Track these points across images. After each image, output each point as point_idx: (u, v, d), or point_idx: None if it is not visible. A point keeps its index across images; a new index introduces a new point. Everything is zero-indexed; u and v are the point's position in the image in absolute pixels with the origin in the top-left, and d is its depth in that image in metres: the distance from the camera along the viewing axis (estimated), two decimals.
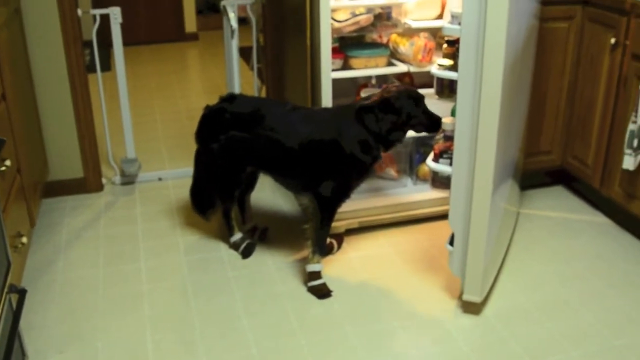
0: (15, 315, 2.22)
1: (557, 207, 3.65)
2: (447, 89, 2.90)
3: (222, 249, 3.26)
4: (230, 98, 3.07)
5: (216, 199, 3.21)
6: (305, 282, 2.94)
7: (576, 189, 3.79)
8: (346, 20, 3.25)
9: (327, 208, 2.87)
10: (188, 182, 3.35)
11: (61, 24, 3.53)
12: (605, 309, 2.80)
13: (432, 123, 2.84)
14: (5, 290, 2.16)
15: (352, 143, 2.79)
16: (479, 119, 2.47)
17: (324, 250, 2.96)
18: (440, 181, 3.31)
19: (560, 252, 3.23)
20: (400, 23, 3.37)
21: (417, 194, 3.45)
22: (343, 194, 2.88)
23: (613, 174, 3.28)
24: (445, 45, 2.87)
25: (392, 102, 2.78)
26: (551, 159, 3.69)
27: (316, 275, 2.92)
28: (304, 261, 2.97)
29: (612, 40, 3.16)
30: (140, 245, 3.31)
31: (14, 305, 2.26)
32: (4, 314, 2.11)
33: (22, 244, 2.66)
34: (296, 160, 2.88)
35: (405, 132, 2.87)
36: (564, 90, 3.52)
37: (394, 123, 2.79)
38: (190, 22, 7.64)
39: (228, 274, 3.06)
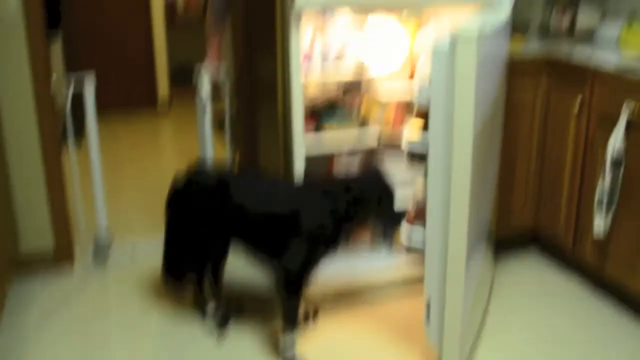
0: None
1: (531, 271, 3.67)
2: (417, 157, 2.93)
3: (197, 321, 3.22)
4: (197, 169, 3.10)
5: (188, 269, 3.18)
6: (280, 356, 2.90)
7: (549, 251, 3.81)
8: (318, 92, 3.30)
9: (291, 282, 2.84)
10: (160, 254, 3.32)
11: (34, 96, 3.51)
12: None
13: (391, 222, 2.86)
14: None
15: (311, 220, 2.78)
16: (451, 187, 2.49)
17: (294, 323, 2.91)
18: (415, 248, 3.31)
19: (536, 316, 3.24)
20: (370, 92, 3.42)
21: (392, 261, 3.44)
22: (306, 268, 2.85)
23: (585, 236, 3.31)
24: (414, 116, 2.91)
25: (354, 189, 2.78)
26: (523, 222, 3.72)
27: (290, 348, 2.88)
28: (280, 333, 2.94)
29: (577, 104, 3.23)
30: (113, 323, 3.25)
31: None
32: None
33: None
34: (259, 232, 2.87)
35: (367, 221, 2.87)
36: (533, 153, 3.58)
37: (354, 210, 2.78)
38: (163, 90, 7.66)
39: (204, 346, 3.01)
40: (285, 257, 2.81)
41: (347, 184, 2.81)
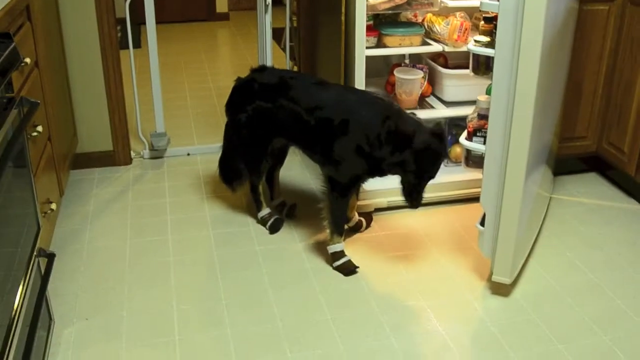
0: (44, 279, 2.22)
1: (590, 194, 3.58)
2: (483, 66, 2.84)
3: (250, 223, 3.25)
4: (261, 69, 3.09)
5: (244, 171, 3.19)
6: (330, 262, 2.92)
7: (610, 176, 3.71)
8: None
9: (338, 188, 2.83)
10: (216, 157, 3.35)
11: None
12: (637, 296, 2.75)
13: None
14: (35, 253, 2.17)
15: (362, 125, 2.72)
16: (515, 97, 2.42)
17: (341, 228, 2.91)
18: (474, 160, 3.26)
19: (592, 238, 3.17)
20: (436, 2, 3.31)
21: (448, 176, 3.39)
22: (355, 172, 2.82)
23: None
24: (482, 23, 2.81)
25: (410, 154, 2.67)
26: (586, 145, 3.61)
27: (339, 254, 2.89)
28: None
29: None
30: (168, 217, 3.31)
31: (43, 269, 2.27)
32: (33, 277, 2.12)
33: (52, 210, 2.66)
34: (313, 135, 2.85)
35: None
36: (601, 75, 3.44)
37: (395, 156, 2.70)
38: (222, 2, 7.61)
39: (255, 248, 3.05)
40: (332, 165, 2.81)
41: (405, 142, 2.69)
